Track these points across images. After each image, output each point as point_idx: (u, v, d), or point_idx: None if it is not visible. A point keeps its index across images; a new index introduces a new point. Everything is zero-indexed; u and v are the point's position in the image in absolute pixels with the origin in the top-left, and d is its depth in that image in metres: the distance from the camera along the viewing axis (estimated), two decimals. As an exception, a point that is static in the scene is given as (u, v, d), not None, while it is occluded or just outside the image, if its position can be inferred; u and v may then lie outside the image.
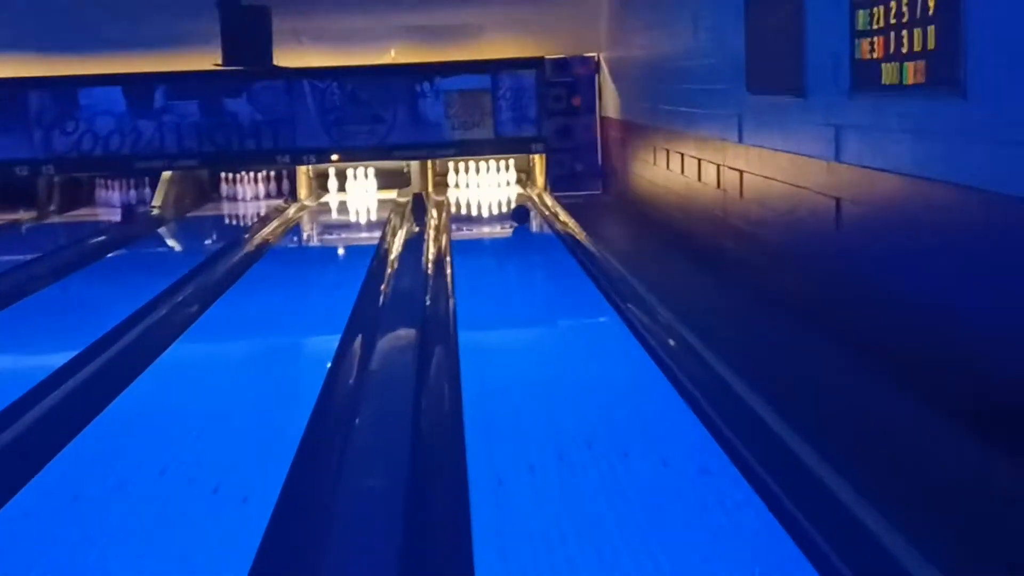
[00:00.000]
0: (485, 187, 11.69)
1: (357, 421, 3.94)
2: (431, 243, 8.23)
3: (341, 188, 11.71)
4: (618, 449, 3.54)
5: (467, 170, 11.81)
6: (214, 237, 9.65)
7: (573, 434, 3.71)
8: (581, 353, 5.00)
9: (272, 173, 11.62)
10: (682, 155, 8.04)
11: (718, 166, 7.05)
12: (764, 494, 3.05)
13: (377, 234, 8.94)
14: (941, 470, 3.30)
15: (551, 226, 9.08)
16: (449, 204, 10.90)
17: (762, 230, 6.19)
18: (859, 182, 4.72)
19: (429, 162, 11.63)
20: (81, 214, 10.98)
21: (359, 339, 5.20)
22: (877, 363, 4.37)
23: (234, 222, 10.66)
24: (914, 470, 3.30)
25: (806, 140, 5.36)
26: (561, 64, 11.35)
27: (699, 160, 7.53)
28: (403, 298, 6.18)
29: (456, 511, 3.07)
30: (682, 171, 8.07)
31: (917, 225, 4.16)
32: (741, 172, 6.54)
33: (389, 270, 7.13)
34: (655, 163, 9.04)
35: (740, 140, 6.55)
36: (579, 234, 8.21)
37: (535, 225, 9.80)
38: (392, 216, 9.90)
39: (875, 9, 4.41)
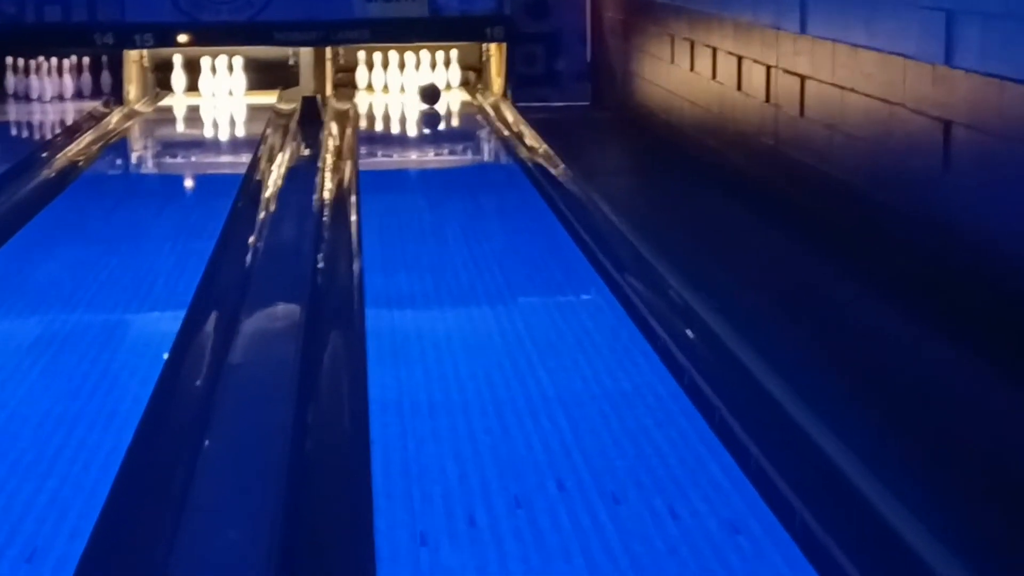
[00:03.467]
0: (412, 92, 11.66)
1: (206, 446, 3.91)
2: (328, 175, 8.20)
3: (192, 87, 11.66)
4: (606, 496, 3.56)
5: (386, 65, 11.79)
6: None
7: (537, 476, 3.72)
8: (554, 348, 5.02)
9: (86, 60, 11.52)
10: (714, 50, 8.04)
11: (768, 68, 7.07)
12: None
13: (246, 159, 8.91)
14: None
15: (512, 154, 9.08)
16: (357, 115, 10.86)
17: (833, 167, 6.21)
18: (981, 98, 4.74)
19: (328, 51, 11.60)
20: None
21: (212, 321, 5.19)
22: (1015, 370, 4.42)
23: (23, 133, 10.56)
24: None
25: (902, 32, 5.38)
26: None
27: (739, 59, 7.55)
28: (282, 259, 6.16)
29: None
30: (714, 75, 8.08)
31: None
32: (802, 78, 6.56)
33: (262, 214, 7.10)
34: (673, 61, 9.05)
35: (802, 29, 6.56)
36: (555, 167, 8.21)
37: (488, 153, 9.78)
38: (270, 132, 9.86)
39: None
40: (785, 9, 6.74)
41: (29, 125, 10.87)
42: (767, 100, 7.10)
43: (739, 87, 7.58)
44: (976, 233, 4.83)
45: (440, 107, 11.24)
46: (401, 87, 11.77)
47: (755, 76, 7.28)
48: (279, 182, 8.01)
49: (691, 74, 8.58)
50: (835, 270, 5.87)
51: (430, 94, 11.09)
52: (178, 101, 11.57)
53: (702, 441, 3.96)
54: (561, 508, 3.50)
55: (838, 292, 5.65)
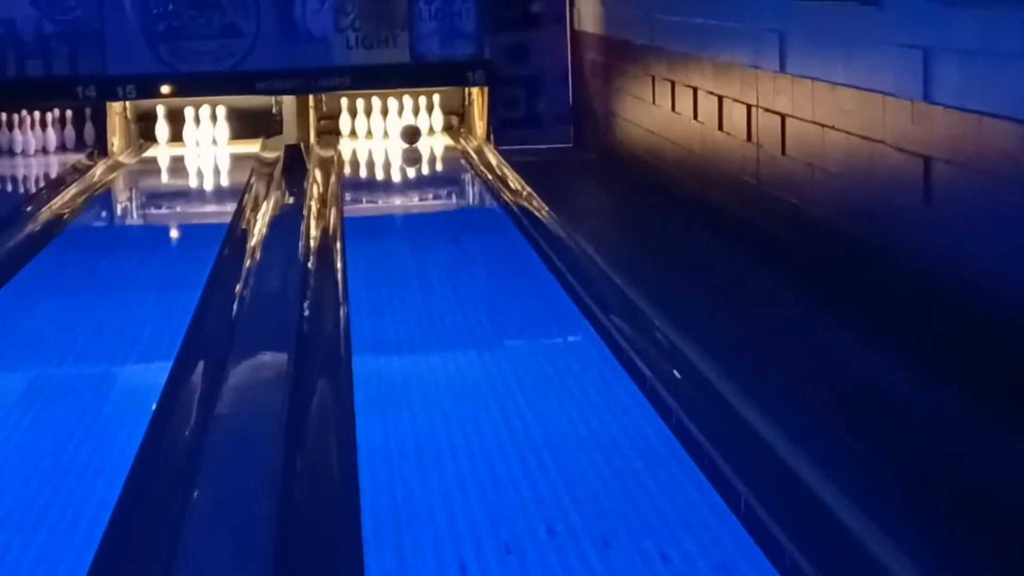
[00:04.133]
0: (396, 138, 11.67)
1: (194, 498, 3.90)
2: (313, 222, 8.20)
3: (175, 137, 11.65)
4: (596, 539, 3.55)
5: (369, 112, 11.80)
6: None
7: (527, 520, 3.72)
8: (540, 391, 5.01)
9: (68, 113, 11.52)
10: (695, 90, 8.07)
11: (749, 107, 7.09)
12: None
13: (230, 208, 8.91)
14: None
15: (496, 198, 9.09)
16: (342, 162, 10.86)
17: (814, 205, 6.23)
18: (960, 134, 4.76)
19: (311, 99, 11.61)
20: None
21: (199, 371, 5.18)
22: (1001, 411, 4.43)
23: (7, 187, 10.55)
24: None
25: (881, 69, 5.40)
26: (514, -50, 11.39)
27: (720, 98, 7.57)
28: (268, 307, 6.15)
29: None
30: (695, 115, 8.10)
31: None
32: (783, 117, 6.58)
33: (248, 263, 7.09)
34: (655, 102, 9.07)
35: (782, 68, 6.58)
36: (539, 210, 8.22)
37: (472, 196, 9.80)
38: (254, 180, 9.87)
39: None
40: (764, 48, 6.77)
41: (13, 179, 10.86)
42: (749, 139, 7.12)
43: (720, 126, 7.61)
44: (957, 266, 4.84)
45: (423, 149, 11.27)
46: (384, 133, 11.78)
47: (736, 115, 7.31)
48: (264, 230, 8.00)
49: (672, 114, 8.61)
50: (820, 307, 5.88)
51: (410, 134, 11.22)
52: (162, 152, 11.56)
53: (691, 482, 3.95)
54: (551, 553, 3.49)
55: (823, 329, 5.66)
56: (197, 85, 11.23)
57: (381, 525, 3.70)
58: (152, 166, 11.16)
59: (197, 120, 11.61)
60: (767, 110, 6.82)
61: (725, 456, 4.00)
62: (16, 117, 11.50)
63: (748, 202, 7.17)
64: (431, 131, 11.74)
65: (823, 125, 6.07)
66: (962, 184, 4.81)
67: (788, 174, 6.56)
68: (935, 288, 5.00)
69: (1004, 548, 3.49)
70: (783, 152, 6.61)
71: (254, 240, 7.73)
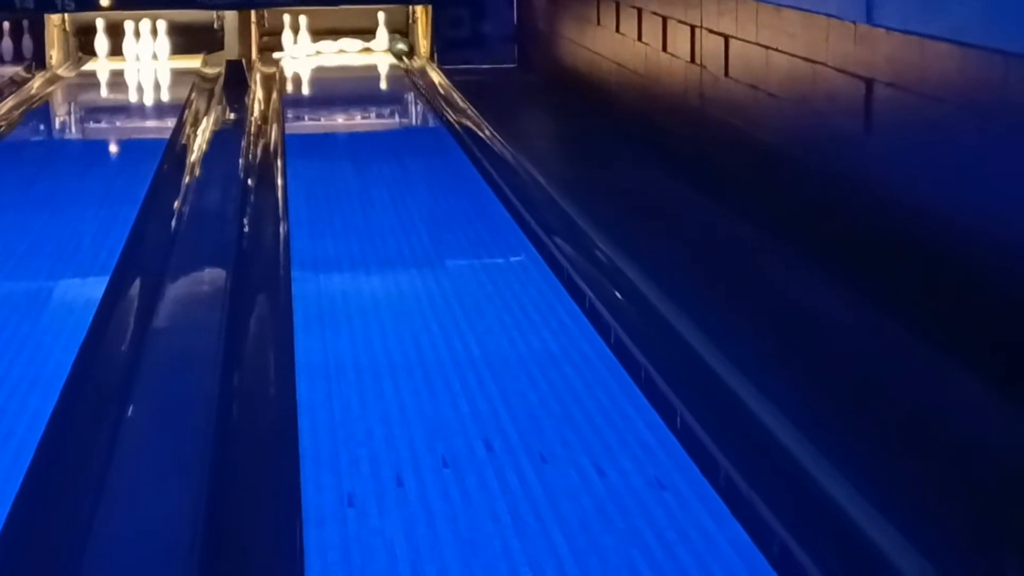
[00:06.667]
0: (337, 55, 11.58)
1: (130, 412, 3.90)
2: (253, 139, 8.14)
3: (115, 51, 11.54)
4: (533, 455, 3.57)
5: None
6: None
7: (464, 436, 3.73)
8: (481, 310, 5.02)
9: (6, 25, 11.35)
10: (639, 11, 8.04)
11: (692, 28, 7.06)
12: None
13: (170, 123, 8.84)
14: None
15: (440, 117, 9.06)
16: (283, 79, 10.77)
17: (756, 128, 6.23)
18: (903, 56, 4.76)
19: (252, 14, 11.50)
20: None
21: (136, 286, 5.15)
22: (944, 342, 4.46)
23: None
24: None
25: (825, -9, 5.39)
26: None
27: (664, 19, 7.54)
28: (207, 224, 6.12)
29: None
30: (639, 36, 8.07)
31: (994, 127, 4.22)
32: (726, 38, 6.57)
33: (187, 179, 7.04)
34: (599, 23, 9.03)
35: (727, -10, 6.56)
36: (482, 130, 8.20)
37: (415, 116, 9.75)
38: (195, 96, 9.78)
39: None
40: (709, -30, 6.74)
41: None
42: (693, 60, 7.10)
43: (664, 48, 7.58)
44: (898, 190, 4.86)
45: (368, 71, 11.20)
46: (326, 50, 11.70)
47: (680, 37, 7.28)
48: (204, 147, 7.94)
49: (617, 35, 8.57)
50: (760, 230, 5.89)
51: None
52: (101, 66, 11.44)
53: (628, 400, 3.98)
54: (488, 468, 3.50)
55: (761, 251, 5.68)
56: (136, -3, 11.10)
57: (319, 441, 3.71)
58: (91, 80, 11.04)
59: (137, 34, 11.49)
60: (711, 31, 6.79)
61: (662, 374, 4.03)
62: (-50, 30, 11.33)
63: (692, 124, 7.16)
64: (372, 50, 11.65)
65: (766, 47, 6.06)
66: (904, 107, 4.82)
67: (731, 96, 6.55)
68: (875, 213, 5.02)
69: (935, 471, 3.53)
70: (726, 74, 6.60)
71: (194, 156, 7.67)
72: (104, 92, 10.79)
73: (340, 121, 9.77)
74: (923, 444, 3.67)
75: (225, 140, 8.08)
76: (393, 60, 11.53)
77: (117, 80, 11.04)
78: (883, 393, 4.06)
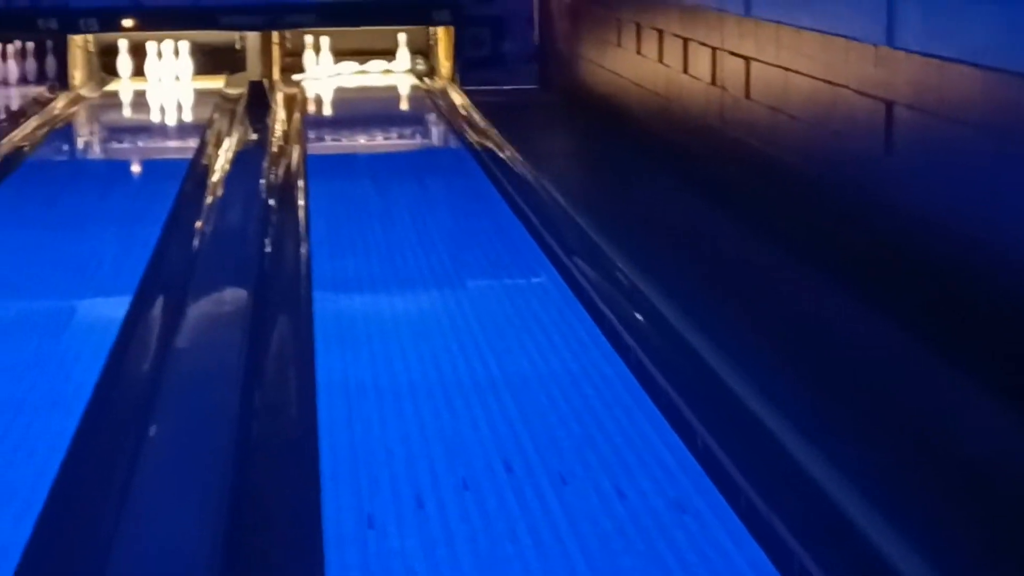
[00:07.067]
0: (359, 76, 11.61)
1: (152, 432, 3.90)
2: (275, 159, 8.16)
3: (138, 72, 11.58)
4: (553, 476, 3.56)
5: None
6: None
7: (484, 457, 3.73)
8: (501, 330, 5.02)
9: (30, 46, 11.40)
10: (660, 32, 8.04)
11: (714, 51, 7.07)
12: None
13: (193, 143, 8.86)
14: None
15: (461, 137, 9.07)
16: (305, 100, 10.80)
17: (776, 149, 6.23)
18: (923, 79, 4.76)
19: (275, 35, 11.53)
20: None
21: (158, 306, 5.16)
22: (963, 360, 4.45)
23: (-32, 121, 10.46)
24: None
25: (845, 13, 5.40)
26: None
27: (685, 41, 7.55)
28: (229, 243, 6.13)
29: None
30: (660, 58, 8.08)
31: (1014, 148, 4.21)
32: (747, 60, 6.57)
33: (209, 199, 7.06)
34: (620, 44, 9.04)
35: (747, 11, 6.57)
36: (503, 150, 8.20)
37: (436, 136, 9.77)
38: (216, 117, 9.81)
39: None
40: (730, -9, 6.75)
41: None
42: (713, 82, 7.11)
43: (686, 69, 7.59)
44: (917, 211, 4.85)
45: (389, 91, 11.22)
46: (346, 71, 11.73)
47: (701, 59, 7.29)
48: (226, 167, 7.96)
49: (638, 57, 8.58)
50: (780, 250, 5.89)
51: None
52: (124, 86, 11.48)
53: (649, 421, 3.97)
54: (508, 489, 3.50)
55: (782, 272, 5.67)
56: (160, 19, 11.13)
57: (339, 461, 3.70)
58: (114, 100, 11.09)
59: (160, 54, 11.54)
60: (732, 53, 6.80)
61: (682, 395, 4.02)
62: (-25, 50, 11.39)
63: (712, 145, 7.17)
64: (393, 70, 11.69)
65: (787, 69, 6.07)
66: (923, 129, 4.82)
67: (751, 117, 6.56)
68: (895, 233, 5.02)
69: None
70: (747, 96, 6.60)
71: (216, 176, 7.69)
72: (127, 112, 10.84)
73: (361, 141, 9.80)
74: (946, 467, 3.66)
75: (247, 160, 8.10)
76: (414, 80, 11.56)
77: (140, 100, 11.09)
78: (908, 416, 4.05)
